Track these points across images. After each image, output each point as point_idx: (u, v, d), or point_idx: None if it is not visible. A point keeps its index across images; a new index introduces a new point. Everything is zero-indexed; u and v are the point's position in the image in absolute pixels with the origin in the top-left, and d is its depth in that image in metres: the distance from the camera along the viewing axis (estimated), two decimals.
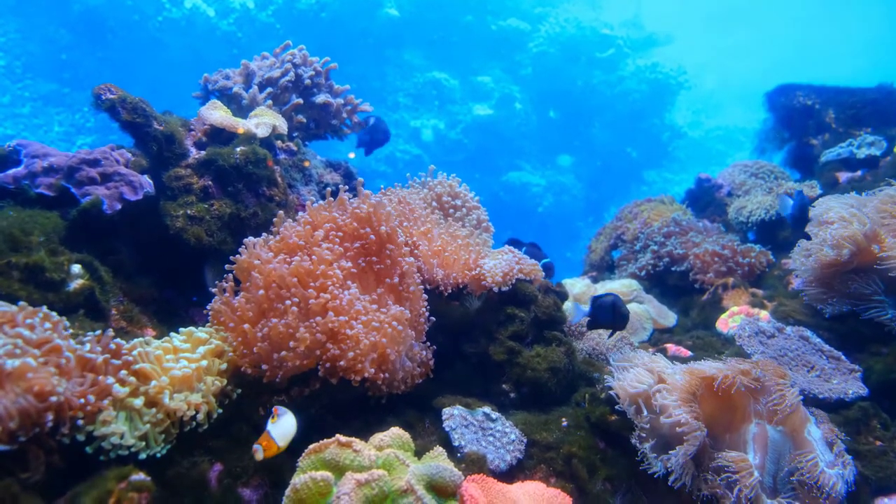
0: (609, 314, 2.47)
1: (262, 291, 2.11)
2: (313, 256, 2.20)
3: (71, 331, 1.82)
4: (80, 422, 1.64)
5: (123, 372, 1.80)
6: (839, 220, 2.78)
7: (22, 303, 1.77)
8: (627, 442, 2.11)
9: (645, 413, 2.04)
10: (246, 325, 2.08)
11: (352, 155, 3.27)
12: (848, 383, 2.49)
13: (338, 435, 1.69)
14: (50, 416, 1.57)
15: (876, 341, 2.72)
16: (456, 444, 2.04)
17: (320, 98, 3.44)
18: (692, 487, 1.89)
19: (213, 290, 2.27)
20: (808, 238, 2.89)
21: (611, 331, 2.69)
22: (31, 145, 2.43)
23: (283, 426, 1.78)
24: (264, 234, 2.38)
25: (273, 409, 1.83)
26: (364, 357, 2.03)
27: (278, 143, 3.11)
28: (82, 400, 1.64)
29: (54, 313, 1.81)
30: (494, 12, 16.33)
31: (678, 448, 1.86)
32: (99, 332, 1.90)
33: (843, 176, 4.21)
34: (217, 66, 3.46)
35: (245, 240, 2.32)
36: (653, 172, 17.63)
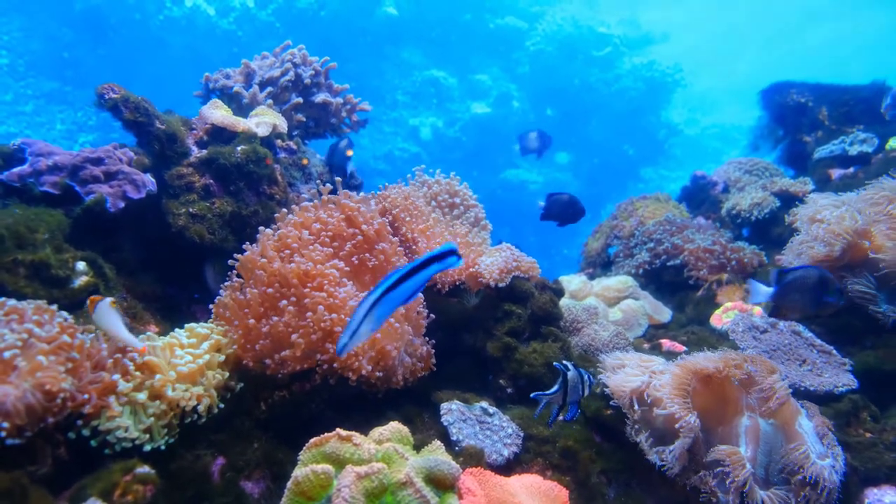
0: None
1: (270, 289, 2.15)
2: (300, 258, 2.22)
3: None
4: (81, 420, 1.68)
5: (130, 367, 1.83)
6: (832, 216, 2.82)
7: (38, 302, 1.80)
8: (623, 435, 2.14)
9: (637, 407, 2.08)
10: (251, 321, 2.11)
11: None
12: (839, 376, 2.53)
13: (338, 429, 1.71)
14: (55, 412, 1.60)
15: (866, 335, 2.77)
16: (454, 437, 2.07)
17: (320, 97, 3.47)
18: (685, 479, 1.93)
19: (215, 287, 2.30)
20: None
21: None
22: (35, 144, 2.46)
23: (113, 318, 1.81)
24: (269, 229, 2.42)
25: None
26: (362, 355, 2.07)
27: (278, 141, 3.14)
28: (87, 396, 1.67)
29: (65, 312, 1.84)
30: (492, 11, 16.34)
31: (676, 442, 1.90)
32: None
33: (836, 173, 4.25)
34: (217, 65, 3.49)
35: (260, 232, 2.35)
36: (649, 170, 17.65)
